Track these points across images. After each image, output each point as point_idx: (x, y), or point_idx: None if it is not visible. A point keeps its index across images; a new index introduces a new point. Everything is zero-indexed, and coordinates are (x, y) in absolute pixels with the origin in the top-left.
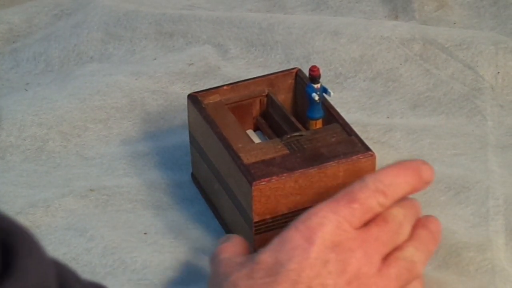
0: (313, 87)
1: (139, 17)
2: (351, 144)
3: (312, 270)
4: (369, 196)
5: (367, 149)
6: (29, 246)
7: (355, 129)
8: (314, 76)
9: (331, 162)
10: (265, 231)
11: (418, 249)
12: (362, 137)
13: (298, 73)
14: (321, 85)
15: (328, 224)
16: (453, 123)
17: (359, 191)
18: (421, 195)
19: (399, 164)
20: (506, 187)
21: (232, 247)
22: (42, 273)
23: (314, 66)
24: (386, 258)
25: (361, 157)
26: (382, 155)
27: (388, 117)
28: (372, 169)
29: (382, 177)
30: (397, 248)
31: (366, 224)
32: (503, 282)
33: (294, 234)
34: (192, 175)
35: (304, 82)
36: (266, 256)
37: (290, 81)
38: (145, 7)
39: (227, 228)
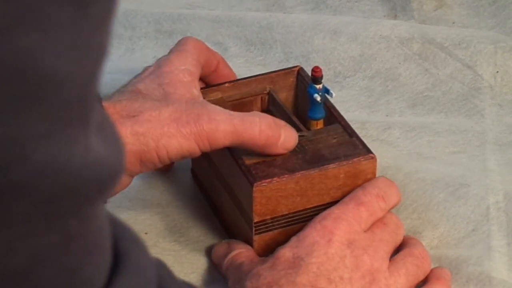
0: (315, 87)
1: (138, 16)
2: (352, 146)
3: (331, 264)
4: (372, 200)
5: (368, 151)
6: (136, 247)
7: (354, 126)
8: (317, 77)
9: (332, 164)
10: (265, 231)
11: (424, 249)
12: (361, 134)
13: (299, 72)
14: (323, 86)
15: (341, 223)
16: (452, 122)
17: (363, 195)
18: (420, 193)
19: (384, 177)
20: (505, 184)
21: (246, 252)
22: (148, 272)
23: (316, 67)
24: (395, 258)
25: (362, 159)
26: (381, 153)
27: (387, 116)
28: (372, 171)
29: (379, 184)
30: (404, 249)
31: (369, 228)
32: None
33: (311, 232)
34: (192, 170)
35: (305, 81)
36: (286, 251)
37: (292, 79)
38: (145, 6)
39: (227, 227)
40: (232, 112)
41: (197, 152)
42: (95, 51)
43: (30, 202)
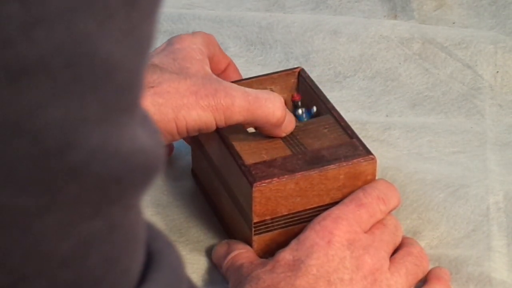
0: (298, 111)
1: None
2: (352, 147)
3: (331, 265)
4: (372, 202)
5: (368, 152)
6: (168, 247)
7: (354, 127)
8: (296, 100)
9: (332, 165)
10: (264, 231)
11: (422, 248)
12: (361, 135)
13: (300, 73)
14: (304, 109)
15: (341, 224)
16: (452, 122)
17: (364, 197)
18: (420, 193)
19: (384, 180)
20: (505, 184)
21: (245, 253)
22: (180, 271)
23: (295, 94)
24: (394, 257)
25: (362, 160)
26: (381, 153)
27: (387, 116)
28: (372, 173)
29: (379, 186)
30: (402, 248)
31: (369, 229)
32: None
33: (311, 234)
34: (192, 171)
35: (306, 82)
36: (286, 254)
37: (293, 80)
38: None
39: (226, 227)
40: (247, 89)
41: (213, 125)
42: (144, 41)
43: (79, 186)
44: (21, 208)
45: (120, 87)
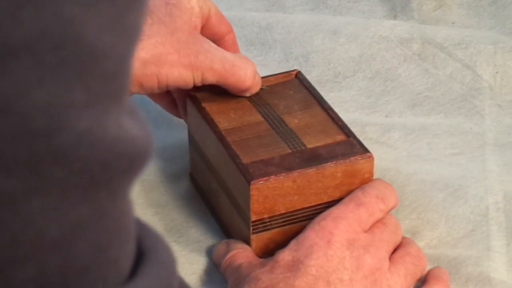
0: None
1: None
2: (350, 145)
3: (330, 266)
4: (371, 201)
5: (365, 150)
6: (160, 243)
7: (354, 129)
8: None
9: (329, 163)
10: (262, 230)
11: (419, 248)
12: (361, 137)
13: (297, 75)
14: None
15: (341, 223)
16: (451, 123)
17: (363, 196)
18: (419, 194)
19: (382, 180)
20: (504, 184)
21: (244, 252)
22: (172, 266)
23: None
24: (393, 257)
25: (359, 158)
26: (381, 155)
27: (386, 116)
28: (370, 171)
29: (377, 186)
30: (400, 248)
31: (369, 229)
32: None
33: (310, 234)
34: (191, 174)
35: (304, 85)
36: (285, 254)
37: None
38: None
39: (225, 227)
40: (226, 54)
41: (190, 83)
42: (130, 29)
43: (66, 170)
44: (8, 191)
45: (106, 74)
